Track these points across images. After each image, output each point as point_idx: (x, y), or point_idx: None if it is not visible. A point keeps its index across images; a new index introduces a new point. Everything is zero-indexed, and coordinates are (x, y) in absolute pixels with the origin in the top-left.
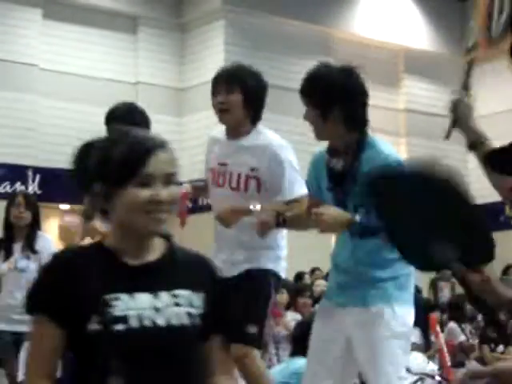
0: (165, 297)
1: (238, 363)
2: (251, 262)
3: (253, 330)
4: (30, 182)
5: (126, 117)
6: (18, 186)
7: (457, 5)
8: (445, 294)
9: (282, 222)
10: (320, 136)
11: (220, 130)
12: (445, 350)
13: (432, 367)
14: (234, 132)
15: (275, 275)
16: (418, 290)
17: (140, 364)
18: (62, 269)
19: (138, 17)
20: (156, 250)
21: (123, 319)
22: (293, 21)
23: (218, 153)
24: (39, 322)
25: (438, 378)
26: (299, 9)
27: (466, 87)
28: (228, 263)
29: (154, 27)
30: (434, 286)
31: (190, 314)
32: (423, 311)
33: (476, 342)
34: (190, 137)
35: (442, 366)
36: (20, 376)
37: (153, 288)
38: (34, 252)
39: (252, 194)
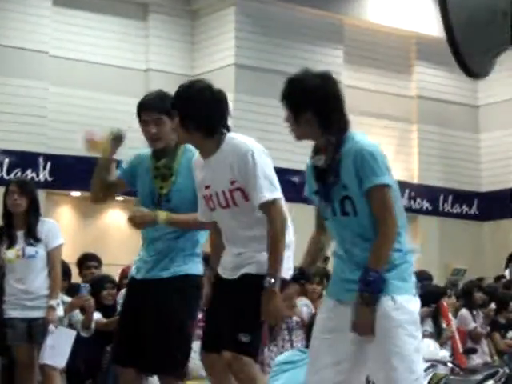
0: None
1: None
2: (248, 266)
3: (245, 338)
4: (41, 169)
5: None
6: (29, 173)
7: None
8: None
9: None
10: (297, 137)
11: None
12: (457, 336)
13: (444, 354)
14: (204, 151)
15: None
16: (428, 278)
17: None
18: None
19: (148, 3)
20: None
21: None
22: (304, 7)
23: (200, 178)
24: None
25: (449, 364)
26: None
27: None
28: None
29: (165, 14)
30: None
31: None
32: (434, 298)
33: (488, 328)
34: None
35: (453, 353)
36: (44, 359)
37: None
38: (37, 240)
39: (242, 205)
